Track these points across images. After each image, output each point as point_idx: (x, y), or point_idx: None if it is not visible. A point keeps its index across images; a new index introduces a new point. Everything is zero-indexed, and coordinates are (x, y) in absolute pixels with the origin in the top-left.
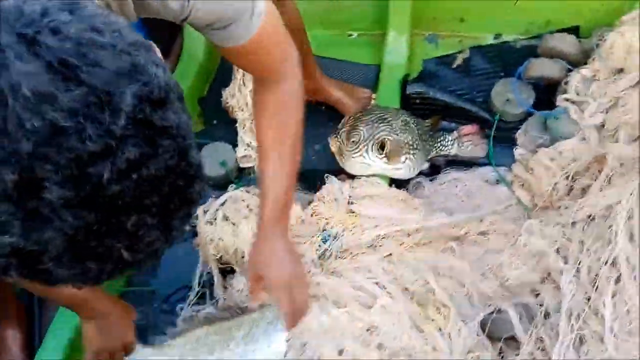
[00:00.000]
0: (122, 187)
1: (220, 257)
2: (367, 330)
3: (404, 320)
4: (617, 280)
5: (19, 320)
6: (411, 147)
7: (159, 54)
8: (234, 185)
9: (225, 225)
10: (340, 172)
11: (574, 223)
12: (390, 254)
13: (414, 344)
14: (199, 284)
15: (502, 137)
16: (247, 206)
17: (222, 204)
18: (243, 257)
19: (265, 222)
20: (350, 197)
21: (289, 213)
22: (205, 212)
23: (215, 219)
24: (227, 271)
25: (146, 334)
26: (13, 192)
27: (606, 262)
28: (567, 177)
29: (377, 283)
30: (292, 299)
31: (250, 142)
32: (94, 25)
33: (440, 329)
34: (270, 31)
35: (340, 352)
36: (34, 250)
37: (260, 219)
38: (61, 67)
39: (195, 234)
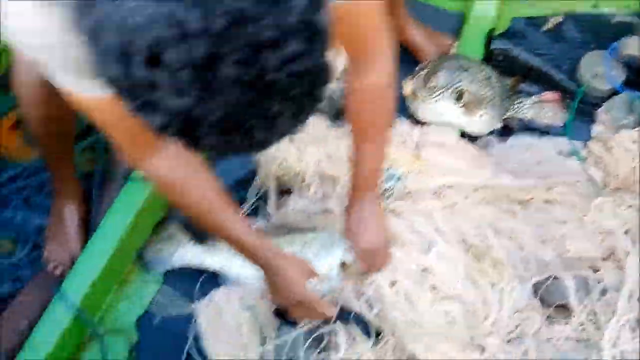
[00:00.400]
0: (280, 76)
1: (280, 177)
2: (422, 271)
3: (459, 269)
4: None
5: (78, 200)
6: (489, 102)
7: None
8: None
9: (290, 147)
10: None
11: None
12: (453, 205)
13: (466, 293)
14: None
15: (582, 110)
16: (314, 132)
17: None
18: (304, 181)
19: (356, 192)
20: (418, 142)
21: (378, 191)
22: None
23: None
24: (283, 191)
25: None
26: (199, 63)
27: None
28: None
29: (436, 230)
30: (373, 265)
31: None
32: None
33: (493, 284)
34: (370, 8)
35: (393, 284)
36: (197, 117)
37: (352, 189)
38: None
39: None
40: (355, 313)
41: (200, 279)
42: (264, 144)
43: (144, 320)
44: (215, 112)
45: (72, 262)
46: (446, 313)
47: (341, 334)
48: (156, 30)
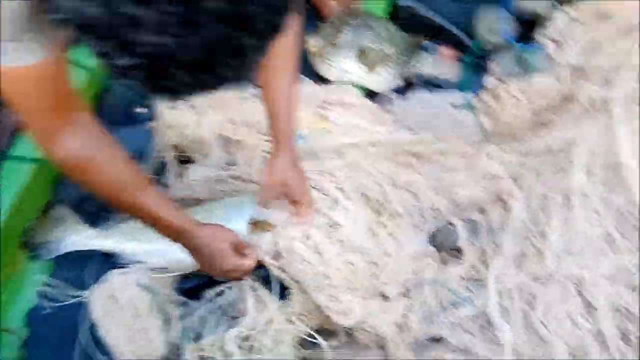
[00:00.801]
0: (256, 11)
1: (178, 145)
2: (330, 225)
3: (362, 223)
4: (566, 207)
5: None
6: (392, 59)
7: None
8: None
9: (188, 113)
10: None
11: (532, 153)
12: (355, 162)
13: (368, 245)
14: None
15: (477, 64)
16: (214, 97)
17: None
18: (204, 147)
19: (282, 138)
20: (322, 101)
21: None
22: None
23: (177, 105)
24: (183, 161)
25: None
26: None
27: (559, 191)
28: (532, 111)
29: (339, 188)
30: (305, 205)
31: None
32: None
33: (391, 235)
34: None
35: (308, 238)
36: (172, 55)
37: (277, 135)
38: None
39: (152, 116)
40: (264, 274)
41: (92, 263)
42: (234, 79)
43: (34, 313)
44: (193, 49)
45: None
46: (350, 264)
47: (249, 299)
48: None
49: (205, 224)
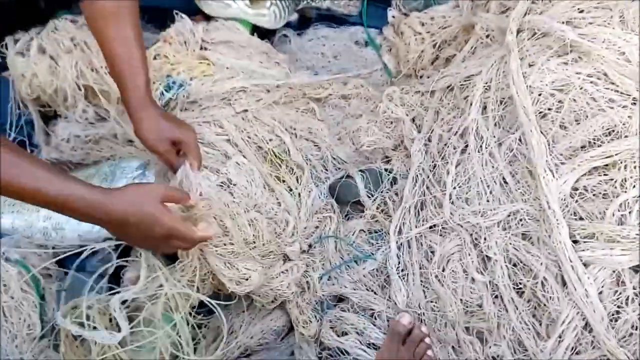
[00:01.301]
0: None
1: (38, 97)
2: (223, 183)
3: (257, 179)
4: (463, 151)
5: None
6: None
7: None
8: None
9: (41, 60)
10: (196, 14)
11: (433, 92)
12: (246, 110)
13: (264, 202)
14: (16, 126)
15: None
16: (72, 39)
17: (38, 33)
18: (66, 100)
19: (137, 94)
20: (203, 41)
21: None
22: (16, 41)
23: (29, 51)
24: (49, 117)
25: None
26: None
27: (456, 133)
28: (434, 45)
29: (228, 140)
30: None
31: None
32: None
33: (290, 189)
34: None
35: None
36: None
37: (131, 92)
38: None
39: (5, 66)
40: None
41: None
42: None
43: None
44: None
45: None
46: (252, 225)
47: (142, 268)
48: None
49: (118, 188)
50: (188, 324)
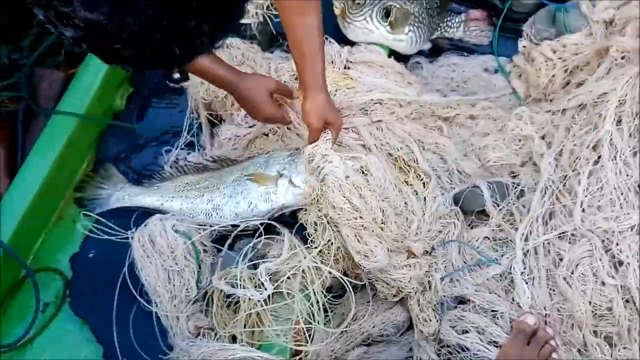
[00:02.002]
0: None
1: (210, 104)
2: (363, 171)
3: (389, 176)
4: (595, 162)
5: (3, 140)
6: (417, 19)
7: None
8: (230, 34)
9: None
10: (341, 42)
11: (564, 110)
12: (380, 121)
13: (394, 197)
14: (188, 130)
15: (509, 27)
16: (242, 54)
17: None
18: (233, 104)
19: (314, 77)
20: (347, 61)
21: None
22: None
23: None
24: (215, 122)
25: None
26: None
27: (588, 146)
28: (565, 70)
29: (364, 145)
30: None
31: None
32: None
33: (416, 193)
34: None
35: (347, 177)
36: (112, 31)
37: (309, 74)
38: None
39: (185, 77)
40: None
41: (135, 214)
42: (180, 60)
43: (79, 257)
44: (130, 26)
45: None
46: (382, 211)
47: (280, 244)
48: None
49: (247, 74)
50: (318, 303)
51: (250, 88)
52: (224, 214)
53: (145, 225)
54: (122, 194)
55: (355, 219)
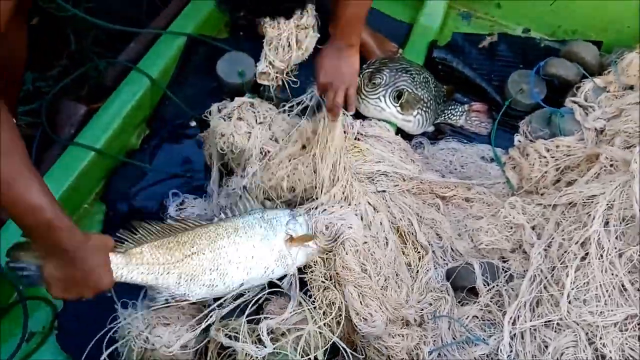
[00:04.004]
0: None
1: (224, 155)
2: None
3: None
4: (583, 258)
5: None
6: (425, 104)
7: None
8: (248, 95)
9: (241, 124)
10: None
11: (555, 206)
12: (384, 191)
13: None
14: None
15: (506, 122)
16: (263, 114)
17: (239, 106)
18: (249, 159)
19: (332, 38)
20: (359, 133)
21: (357, 41)
22: (219, 109)
23: (231, 117)
24: (226, 172)
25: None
26: None
27: (577, 242)
28: (557, 169)
29: (374, 207)
30: (334, 95)
31: (273, 61)
32: None
33: (410, 265)
34: None
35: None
36: None
37: (330, 37)
38: None
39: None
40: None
41: None
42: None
43: None
44: None
45: None
46: (386, 279)
47: (293, 299)
48: None
49: (89, 237)
50: None
51: (96, 251)
52: (232, 281)
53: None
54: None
55: (363, 278)
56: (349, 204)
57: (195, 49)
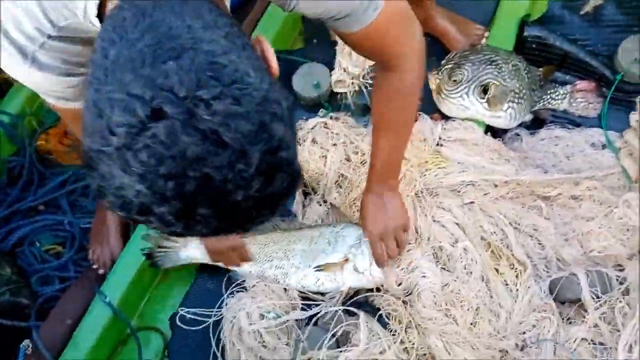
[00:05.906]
0: (249, 204)
1: (303, 176)
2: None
3: (477, 268)
4: None
5: None
6: (517, 95)
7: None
8: (323, 110)
9: (314, 148)
10: (434, 112)
11: None
12: (472, 202)
13: (483, 295)
14: None
15: (620, 99)
16: (337, 134)
17: (312, 128)
18: (326, 184)
19: (370, 183)
20: (440, 138)
21: (396, 180)
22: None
23: (305, 141)
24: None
25: None
26: (180, 211)
27: None
28: None
29: (458, 224)
30: (386, 245)
31: (347, 67)
32: (235, 95)
33: (507, 284)
34: (386, 26)
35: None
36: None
37: (367, 179)
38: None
39: None
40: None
41: (225, 277)
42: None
43: (176, 318)
44: (201, 231)
45: (113, 262)
46: (470, 313)
47: (363, 329)
48: (141, 199)
49: None
50: None
51: None
52: (290, 282)
53: (232, 309)
54: (193, 252)
55: (446, 324)
56: (419, 243)
57: None
